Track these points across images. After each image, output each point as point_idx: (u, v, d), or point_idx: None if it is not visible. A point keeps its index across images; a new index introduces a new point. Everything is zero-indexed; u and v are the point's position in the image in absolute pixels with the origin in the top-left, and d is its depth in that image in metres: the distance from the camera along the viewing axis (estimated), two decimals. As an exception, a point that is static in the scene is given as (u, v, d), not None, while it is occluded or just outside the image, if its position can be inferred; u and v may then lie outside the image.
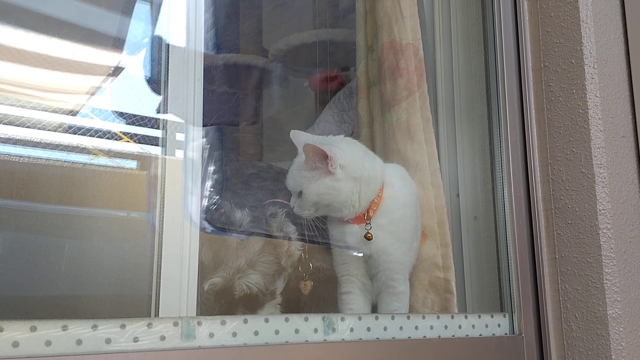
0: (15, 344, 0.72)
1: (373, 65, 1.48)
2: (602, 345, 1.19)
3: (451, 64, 1.52)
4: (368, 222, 1.21)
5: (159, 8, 1.23)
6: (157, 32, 1.20)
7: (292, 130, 1.27)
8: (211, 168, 1.43)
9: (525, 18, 1.37)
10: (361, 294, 1.24)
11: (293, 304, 1.34)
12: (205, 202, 1.34)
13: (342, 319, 1.02)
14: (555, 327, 1.26)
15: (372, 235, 1.20)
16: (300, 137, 1.26)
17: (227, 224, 1.30)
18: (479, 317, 1.21)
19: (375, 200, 1.22)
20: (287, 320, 0.95)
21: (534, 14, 1.38)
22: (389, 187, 1.24)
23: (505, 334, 1.23)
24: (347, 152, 1.20)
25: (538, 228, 1.30)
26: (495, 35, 1.35)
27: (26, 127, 1.15)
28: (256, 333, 0.92)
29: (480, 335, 1.19)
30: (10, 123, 1.13)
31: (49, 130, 1.17)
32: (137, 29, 1.27)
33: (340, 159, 1.18)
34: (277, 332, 0.94)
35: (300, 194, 1.19)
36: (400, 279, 1.22)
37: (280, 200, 1.34)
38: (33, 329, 0.74)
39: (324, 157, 1.17)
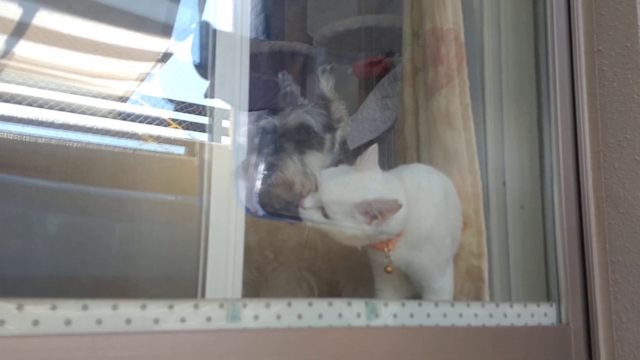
0: (68, 322, 0.75)
1: (419, 52, 1.46)
2: (654, 338, 1.16)
3: (499, 47, 1.48)
4: (387, 255, 1.09)
5: (206, -6, 1.24)
6: (204, 18, 1.21)
7: (375, 145, 1.12)
8: (263, 152, 1.43)
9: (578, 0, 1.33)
10: (394, 291, 1.18)
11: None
12: (257, 187, 1.35)
13: (386, 305, 1.01)
14: (604, 318, 1.23)
15: (392, 270, 1.10)
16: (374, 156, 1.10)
17: (279, 209, 1.30)
18: (525, 306, 1.19)
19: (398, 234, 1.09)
20: (330, 304, 0.96)
21: (587, -4, 1.33)
22: (414, 210, 1.11)
23: (552, 323, 1.21)
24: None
25: (588, 217, 1.26)
26: (547, 17, 1.31)
27: (79, 113, 1.18)
28: (300, 316, 0.92)
29: (526, 324, 1.17)
30: (62, 109, 1.16)
31: (100, 116, 1.20)
32: (185, 14, 1.29)
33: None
34: (320, 315, 0.94)
35: (322, 211, 1.06)
36: (435, 277, 1.14)
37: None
38: (85, 307, 0.76)
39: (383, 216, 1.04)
